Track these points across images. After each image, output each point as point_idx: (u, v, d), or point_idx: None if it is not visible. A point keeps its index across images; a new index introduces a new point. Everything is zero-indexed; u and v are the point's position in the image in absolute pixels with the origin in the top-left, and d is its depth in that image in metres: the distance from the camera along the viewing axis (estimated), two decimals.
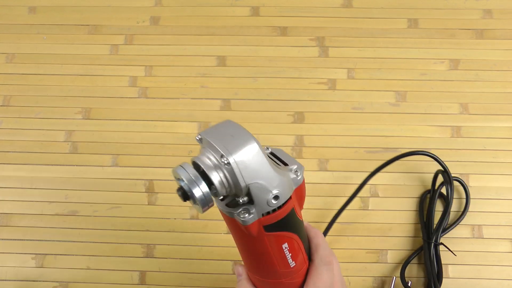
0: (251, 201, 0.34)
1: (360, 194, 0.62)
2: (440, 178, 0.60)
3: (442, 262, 0.59)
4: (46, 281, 0.60)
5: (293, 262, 0.40)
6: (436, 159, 0.58)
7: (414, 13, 0.70)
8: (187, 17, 0.71)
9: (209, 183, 0.33)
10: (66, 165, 0.64)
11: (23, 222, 0.62)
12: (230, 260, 0.61)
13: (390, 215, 0.62)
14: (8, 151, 0.65)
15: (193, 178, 0.33)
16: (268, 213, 0.36)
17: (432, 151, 0.63)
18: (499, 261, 0.59)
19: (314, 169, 0.63)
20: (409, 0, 0.71)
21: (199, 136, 0.35)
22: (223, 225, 0.62)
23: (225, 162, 0.33)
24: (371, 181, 0.61)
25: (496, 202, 0.62)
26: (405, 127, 0.65)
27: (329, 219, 0.61)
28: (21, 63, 0.69)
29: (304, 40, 0.69)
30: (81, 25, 0.71)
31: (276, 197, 0.35)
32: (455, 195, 0.61)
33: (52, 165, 0.64)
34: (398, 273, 0.59)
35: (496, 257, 0.60)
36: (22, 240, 0.61)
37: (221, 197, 0.36)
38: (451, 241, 0.60)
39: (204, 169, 0.33)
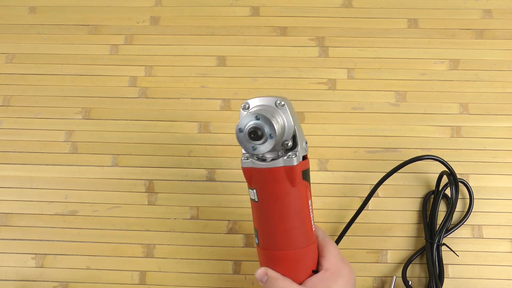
0: (294, 145, 0.43)
1: (360, 194, 0.62)
2: (444, 179, 0.60)
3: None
4: (46, 281, 0.60)
5: (313, 224, 0.47)
6: (443, 162, 0.58)
7: (414, 13, 0.70)
8: (187, 17, 0.71)
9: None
10: (66, 165, 0.64)
11: (23, 222, 0.62)
12: (230, 260, 0.61)
13: (390, 215, 0.62)
14: (8, 151, 0.65)
15: (268, 115, 0.41)
16: (303, 158, 0.45)
17: (432, 151, 0.63)
18: (499, 261, 0.59)
19: (314, 169, 0.63)
20: (409, 0, 0.71)
21: (247, 103, 0.44)
22: (223, 225, 0.62)
23: (282, 104, 0.43)
24: (371, 181, 0.61)
25: (496, 202, 0.62)
26: (405, 127, 0.65)
27: (329, 219, 0.61)
28: (21, 63, 0.69)
29: (304, 40, 0.69)
30: (81, 25, 0.71)
31: (306, 143, 0.46)
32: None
33: (52, 165, 0.64)
34: (398, 273, 0.59)
35: (496, 257, 0.60)
36: (22, 240, 0.61)
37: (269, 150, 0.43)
38: (452, 241, 0.60)
39: (268, 114, 0.42)
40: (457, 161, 0.63)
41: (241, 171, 0.63)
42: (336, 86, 0.67)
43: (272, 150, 0.44)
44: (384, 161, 0.63)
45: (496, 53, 0.68)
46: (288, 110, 0.43)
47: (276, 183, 0.44)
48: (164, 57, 0.69)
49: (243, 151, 0.45)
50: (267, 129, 0.41)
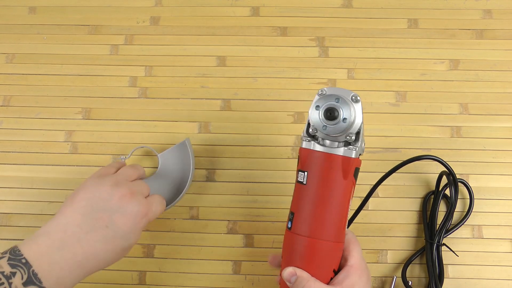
0: (356, 140, 0.45)
1: (360, 194, 0.62)
2: (444, 179, 0.60)
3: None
4: None
5: (347, 223, 0.48)
6: (442, 162, 0.58)
7: (414, 13, 0.70)
8: (187, 17, 0.71)
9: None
10: (66, 165, 0.64)
11: (23, 222, 0.62)
12: (230, 260, 0.61)
13: (390, 215, 0.62)
14: (8, 151, 0.65)
15: (347, 101, 0.44)
16: (359, 156, 0.46)
17: (432, 151, 0.63)
18: (499, 261, 0.60)
19: None
20: (409, 0, 0.71)
21: (324, 90, 0.46)
22: (223, 225, 0.62)
23: (357, 99, 0.45)
24: (371, 181, 0.61)
25: (496, 202, 0.62)
26: (405, 127, 0.65)
27: None
28: (21, 63, 0.69)
29: (304, 40, 0.69)
30: (81, 25, 0.71)
31: (364, 144, 0.47)
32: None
33: (52, 165, 0.64)
34: (398, 273, 0.59)
35: (496, 257, 0.60)
36: (22, 240, 0.61)
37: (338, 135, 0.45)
38: (451, 241, 0.60)
39: (347, 100, 0.44)
40: (457, 161, 0.63)
41: (241, 171, 0.64)
42: (336, 86, 0.67)
43: (336, 139, 0.45)
44: (384, 161, 0.63)
45: (496, 53, 0.68)
46: (360, 106, 0.45)
47: (331, 169, 0.45)
48: (164, 57, 0.69)
49: (305, 134, 0.47)
50: (343, 112, 0.44)
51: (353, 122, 0.45)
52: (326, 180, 0.45)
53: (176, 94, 0.67)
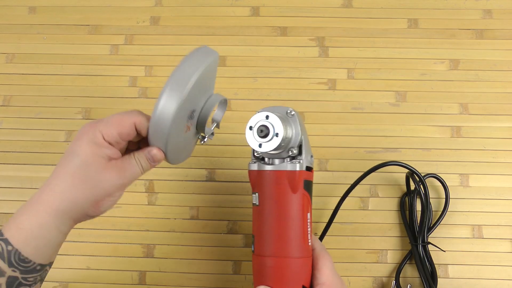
0: (299, 154, 0.46)
1: (361, 194, 0.62)
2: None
3: (441, 262, 0.59)
4: (46, 281, 0.60)
5: (310, 239, 0.47)
6: (403, 165, 0.58)
7: (414, 13, 0.70)
8: (187, 17, 0.71)
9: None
10: None
11: None
12: (230, 260, 0.61)
13: (390, 215, 0.62)
14: (8, 151, 0.65)
15: (278, 117, 0.44)
16: (308, 169, 0.46)
17: (432, 151, 0.63)
18: (499, 261, 0.60)
19: (314, 169, 0.63)
20: (409, 0, 0.71)
21: (260, 110, 0.46)
22: (223, 225, 0.62)
23: (292, 113, 0.46)
24: (371, 182, 0.61)
25: (496, 202, 0.62)
26: (405, 127, 0.65)
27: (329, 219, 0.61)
28: (21, 63, 0.69)
29: (304, 40, 0.69)
30: (81, 25, 0.71)
31: (312, 156, 0.48)
32: (442, 194, 0.61)
33: (52, 165, 0.64)
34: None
35: (496, 257, 0.60)
36: None
37: (278, 151, 0.46)
38: (451, 241, 0.60)
39: (278, 116, 0.44)
40: (457, 161, 0.63)
41: (241, 171, 0.64)
42: (336, 86, 0.67)
43: (278, 156, 0.46)
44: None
45: (496, 53, 0.68)
46: (297, 120, 0.46)
47: (278, 185, 0.45)
48: (164, 57, 0.69)
49: (252, 157, 0.48)
50: (274, 127, 0.44)
51: (290, 136, 0.45)
52: (276, 197, 0.46)
53: None
